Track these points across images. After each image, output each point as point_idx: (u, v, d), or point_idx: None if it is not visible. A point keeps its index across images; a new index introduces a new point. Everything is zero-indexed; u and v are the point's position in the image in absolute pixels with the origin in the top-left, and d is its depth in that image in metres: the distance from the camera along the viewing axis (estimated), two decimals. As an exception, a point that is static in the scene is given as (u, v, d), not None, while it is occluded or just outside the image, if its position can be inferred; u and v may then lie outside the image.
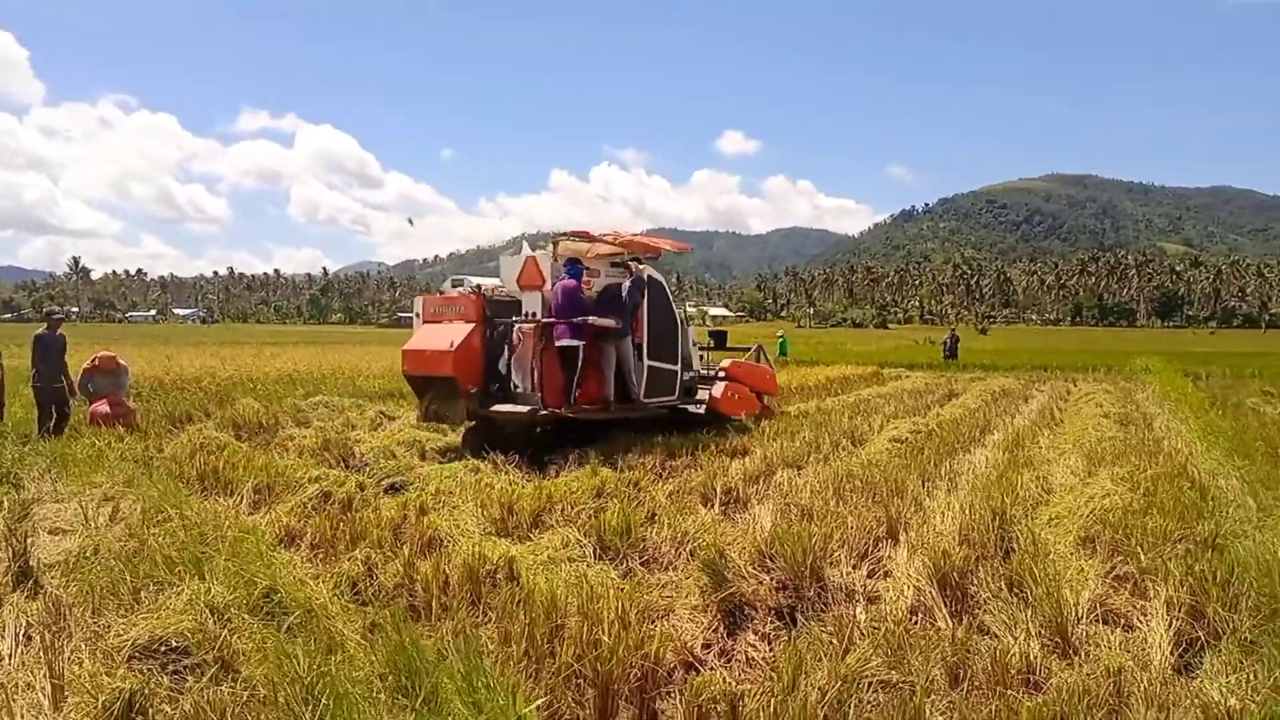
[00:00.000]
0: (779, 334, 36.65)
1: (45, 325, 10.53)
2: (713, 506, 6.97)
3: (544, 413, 9.56)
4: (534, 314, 9.85)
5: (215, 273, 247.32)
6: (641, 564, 5.39)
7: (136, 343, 30.09)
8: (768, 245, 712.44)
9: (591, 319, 9.74)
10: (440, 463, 9.00)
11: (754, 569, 4.79)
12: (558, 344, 9.74)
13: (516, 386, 10.02)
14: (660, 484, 7.56)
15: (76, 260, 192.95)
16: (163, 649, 3.34)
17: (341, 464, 8.91)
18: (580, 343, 9.74)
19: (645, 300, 10.52)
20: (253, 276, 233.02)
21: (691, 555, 5.53)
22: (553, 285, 9.95)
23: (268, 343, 35.20)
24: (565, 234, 10.46)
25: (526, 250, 10.49)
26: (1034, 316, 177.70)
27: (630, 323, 10.32)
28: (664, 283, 11.15)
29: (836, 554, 5.20)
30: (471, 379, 9.82)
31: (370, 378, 17.04)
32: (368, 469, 8.72)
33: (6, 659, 3.65)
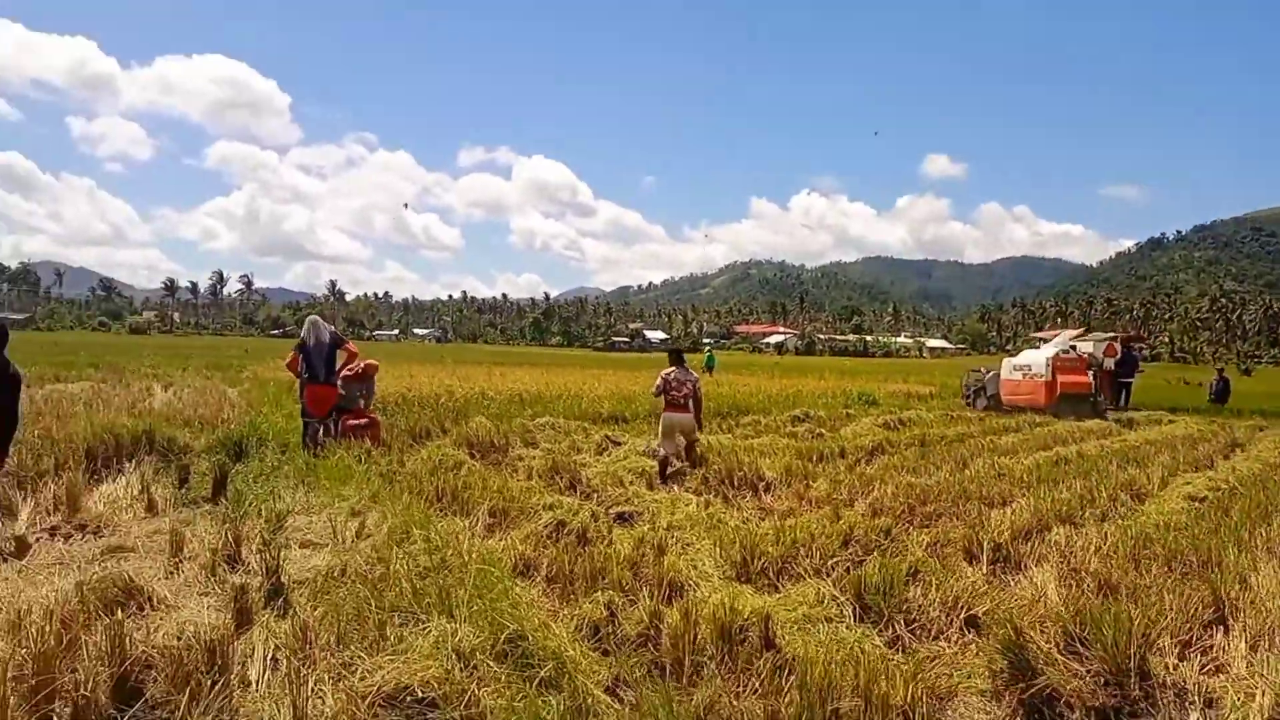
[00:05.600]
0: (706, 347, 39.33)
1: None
2: (980, 564, 6.13)
3: (1111, 409, 21.92)
4: (1104, 365, 22.81)
5: (450, 296, 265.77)
6: (907, 629, 4.71)
7: (382, 360, 32.36)
8: (993, 275, 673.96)
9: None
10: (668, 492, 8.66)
11: (1062, 654, 3.98)
12: (1120, 380, 23.25)
13: (1099, 395, 22.02)
14: (914, 533, 6.79)
15: (333, 283, 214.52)
16: (408, 699, 3.07)
17: (571, 489, 8.75)
18: (1133, 379, 23.77)
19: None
20: (482, 300, 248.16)
21: (968, 625, 4.79)
22: (1122, 355, 23.32)
23: (497, 363, 36.81)
24: (1109, 336, 24.87)
25: (1098, 337, 24.32)
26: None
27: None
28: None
29: (1159, 641, 4.27)
30: (1090, 392, 21.50)
31: (594, 400, 17.10)
32: (596, 496, 8.51)
33: (254, 685, 3.54)
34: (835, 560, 5.72)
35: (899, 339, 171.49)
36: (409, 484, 8.18)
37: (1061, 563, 6.02)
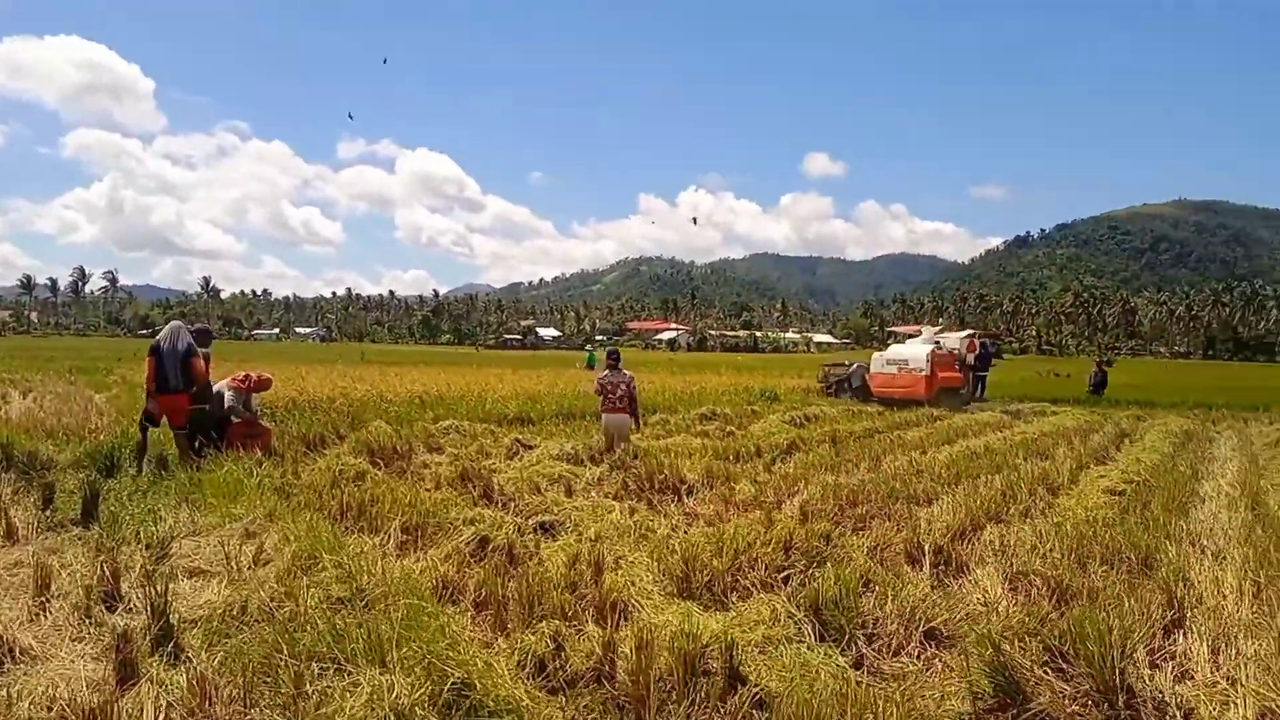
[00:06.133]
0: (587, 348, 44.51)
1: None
2: (922, 568, 5.95)
3: (973, 399, 24.53)
4: (967, 361, 24.71)
5: (334, 293, 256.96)
6: (869, 646, 4.43)
7: (265, 361, 30.67)
8: (873, 271, 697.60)
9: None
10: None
11: (1045, 671, 3.75)
12: (976, 374, 25.52)
13: (964, 387, 24.30)
14: (851, 537, 6.56)
15: (207, 280, 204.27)
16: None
17: (485, 498, 8.21)
18: (986, 373, 26.83)
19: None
20: (368, 298, 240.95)
21: (928, 638, 4.55)
22: (980, 350, 26.01)
23: (391, 363, 35.48)
24: (969, 333, 27.24)
25: (960, 335, 26.20)
26: (1162, 349, 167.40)
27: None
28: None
29: (1135, 652, 4.10)
30: (960, 385, 23.79)
31: (499, 400, 16.45)
32: (513, 505, 8.00)
33: (146, 761, 2.95)
34: (784, 572, 5.42)
35: (787, 335, 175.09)
36: (308, 499, 7.48)
37: (1004, 564, 5.90)
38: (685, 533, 6.90)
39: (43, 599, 4.57)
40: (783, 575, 5.37)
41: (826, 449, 12.32)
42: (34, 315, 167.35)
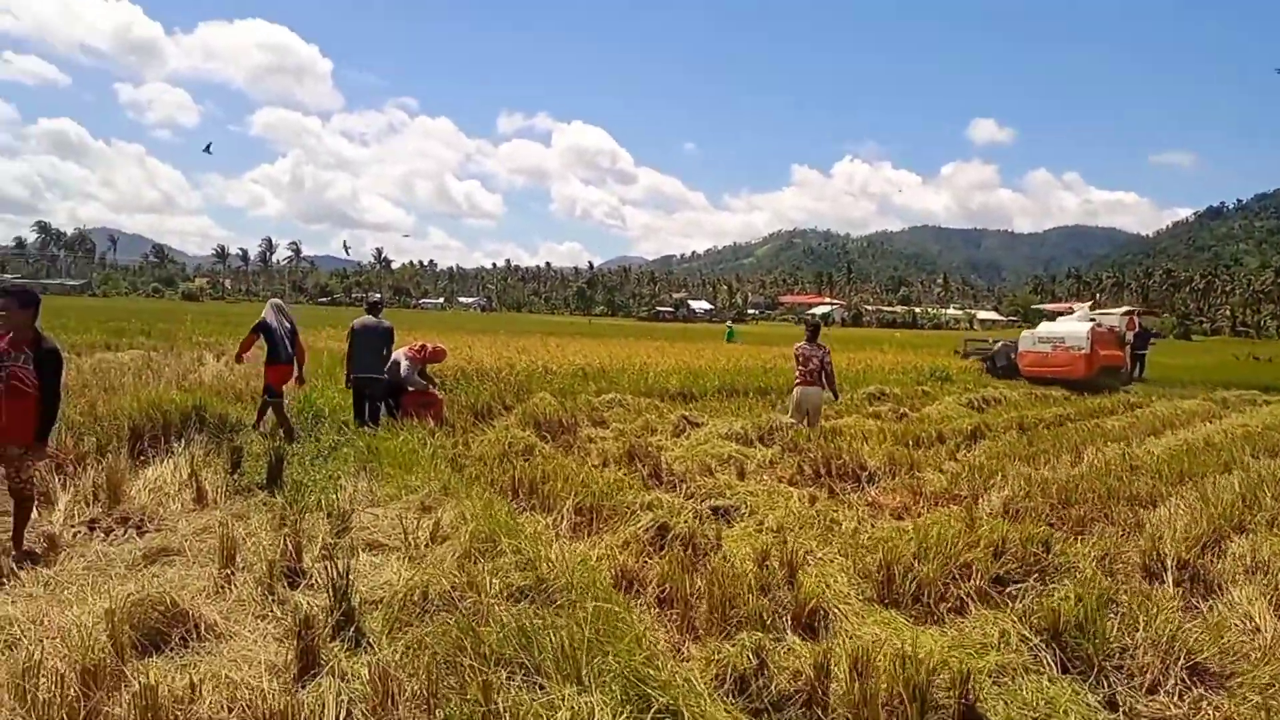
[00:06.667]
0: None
1: (366, 311, 9.93)
2: (1164, 584, 5.16)
3: (1131, 374, 23.40)
4: (1126, 339, 23.54)
5: (493, 264, 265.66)
6: (1125, 684, 3.77)
7: (431, 328, 31.70)
8: (1044, 244, 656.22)
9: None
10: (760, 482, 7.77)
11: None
12: (1135, 353, 24.03)
13: (1124, 367, 22.91)
14: (1074, 543, 5.78)
15: (379, 251, 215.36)
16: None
17: (654, 477, 7.88)
18: (1146, 352, 24.83)
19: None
20: (526, 269, 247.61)
21: (1190, 673, 3.84)
22: (1138, 328, 24.41)
23: (550, 333, 36.00)
24: (1128, 310, 26.04)
25: (1119, 311, 25.39)
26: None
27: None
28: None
29: None
30: (1121, 364, 22.59)
31: (661, 375, 16.14)
32: (684, 486, 7.63)
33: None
34: (1007, 587, 4.76)
35: (949, 311, 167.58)
36: (479, 471, 7.39)
37: (1265, 585, 5.03)
38: (873, 526, 6.36)
39: (228, 571, 4.52)
40: (1006, 590, 4.71)
41: (1015, 437, 11.37)
42: (227, 282, 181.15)
